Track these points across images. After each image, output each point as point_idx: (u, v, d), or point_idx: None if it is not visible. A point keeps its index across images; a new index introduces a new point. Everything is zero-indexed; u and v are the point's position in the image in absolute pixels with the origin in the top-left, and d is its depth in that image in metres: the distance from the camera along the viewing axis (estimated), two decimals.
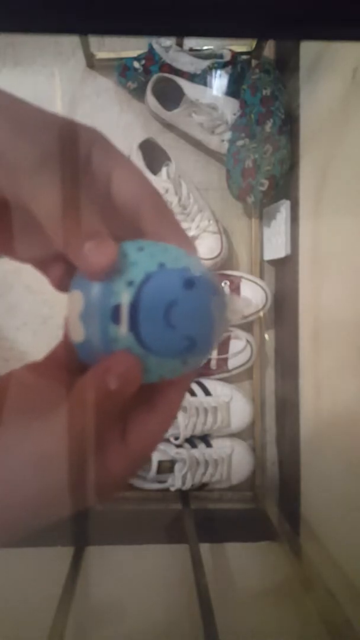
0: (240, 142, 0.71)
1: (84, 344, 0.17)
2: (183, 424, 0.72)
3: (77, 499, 0.16)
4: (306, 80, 0.67)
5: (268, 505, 0.75)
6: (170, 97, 0.74)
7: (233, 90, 0.74)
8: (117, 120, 0.81)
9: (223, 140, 0.74)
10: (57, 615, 0.48)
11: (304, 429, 0.69)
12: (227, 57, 0.73)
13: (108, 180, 0.18)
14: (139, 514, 0.73)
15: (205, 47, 0.76)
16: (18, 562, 0.60)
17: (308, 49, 0.66)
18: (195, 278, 0.17)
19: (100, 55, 0.78)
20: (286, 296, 0.76)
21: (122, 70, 0.76)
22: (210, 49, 0.75)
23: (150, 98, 0.75)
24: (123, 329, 0.16)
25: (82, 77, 0.81)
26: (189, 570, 0.55)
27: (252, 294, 0.75)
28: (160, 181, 0.73)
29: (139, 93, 0.78)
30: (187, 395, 0.74)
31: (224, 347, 0.76)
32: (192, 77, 0.74)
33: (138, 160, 0.75)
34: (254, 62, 0.75)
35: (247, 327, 0.80)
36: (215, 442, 0.76)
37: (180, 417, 0.72)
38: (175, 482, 0.72)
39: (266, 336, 0.82)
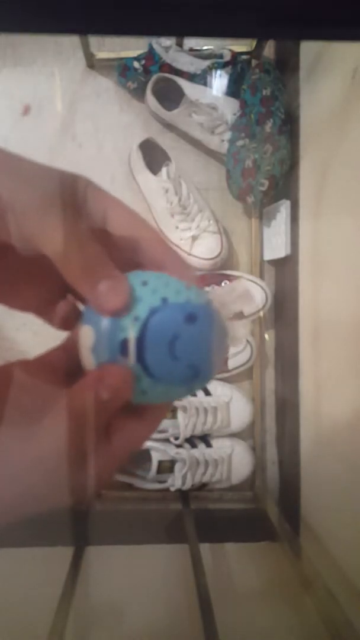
0: (240, 142, 0.71)
1: None
2: (183, 424, 0.72)
3: (57, 497, 0.18)
4: (306, 80, 0.67)
5: (268, 505, 0.75)
6: (170, 97, 0.74)
7: (233, 90, 0.74)
8: (117, 120, 0.81)
9: (223, 140, 0.74)
10: (57, 615, 0.48)
11: (304, 429, 0.69)
12: (227, 57, 0.73)
13: (104, 218, 0.19)
14: (139, 514, 0.73)
15: (205, 47, 0.76)
16: (18, 562, 0.60)
17: (308, 49, 0.66)
18: (196, 312, 0.18)
19: (100, 55, 0.78)
20: (286, 296, 0.76)
21: (122, 70, 0.76)
22: (210, 49, 0.75)
23: (150, 98, 0.75)
24: (131, 361, 0.18)
25: (82, 77, 0.81)
26: (189, 570, 0.55)
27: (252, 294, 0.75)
28: (160, 181, 0.73)
29: (139, 93, 0.78)
30: (187, 395, 0.74)
31: None
32: (192, 77, 0.74)
33: (138, 160, 0.75)
34: (254, 62, 0.75)
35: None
36: (215, 442, 0.76)
37: (180, 417, 0.72)
38: (175, 482, 0.72)
39: (266, 336, 0.82)
